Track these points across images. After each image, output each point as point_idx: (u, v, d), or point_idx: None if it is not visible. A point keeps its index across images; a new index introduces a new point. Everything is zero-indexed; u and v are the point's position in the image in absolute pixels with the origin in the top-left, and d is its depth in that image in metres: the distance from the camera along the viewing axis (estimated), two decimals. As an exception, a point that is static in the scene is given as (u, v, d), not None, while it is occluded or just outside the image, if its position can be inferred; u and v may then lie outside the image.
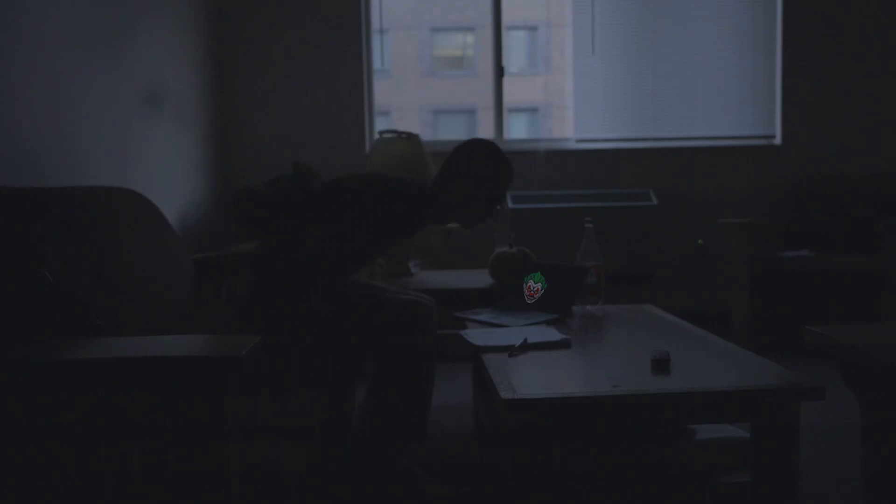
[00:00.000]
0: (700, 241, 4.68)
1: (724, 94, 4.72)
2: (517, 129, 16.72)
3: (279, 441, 1.69)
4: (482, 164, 2.34)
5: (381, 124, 5.37)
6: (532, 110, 16.50)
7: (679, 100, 4.71)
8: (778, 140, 4.71)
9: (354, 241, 2.24)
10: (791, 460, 1.67)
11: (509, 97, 4.87)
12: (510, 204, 4.40)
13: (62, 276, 1.67)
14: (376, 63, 4.78)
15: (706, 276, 4.67)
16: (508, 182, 2.38)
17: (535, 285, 2.58)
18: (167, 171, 3.56)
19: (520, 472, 1.66)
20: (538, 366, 1.92)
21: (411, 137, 3.26)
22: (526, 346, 2.08)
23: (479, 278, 3.09)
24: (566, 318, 2.50)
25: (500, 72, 4.79)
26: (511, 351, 2.04)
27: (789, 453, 1.67)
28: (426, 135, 12.61)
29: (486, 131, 4.89)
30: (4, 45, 2.21)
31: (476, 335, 2.24)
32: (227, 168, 4.56)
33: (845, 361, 1.68)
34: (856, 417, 2.76)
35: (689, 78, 4.70)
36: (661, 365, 1.84)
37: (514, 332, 2.25)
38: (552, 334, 2.19)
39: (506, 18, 4.78)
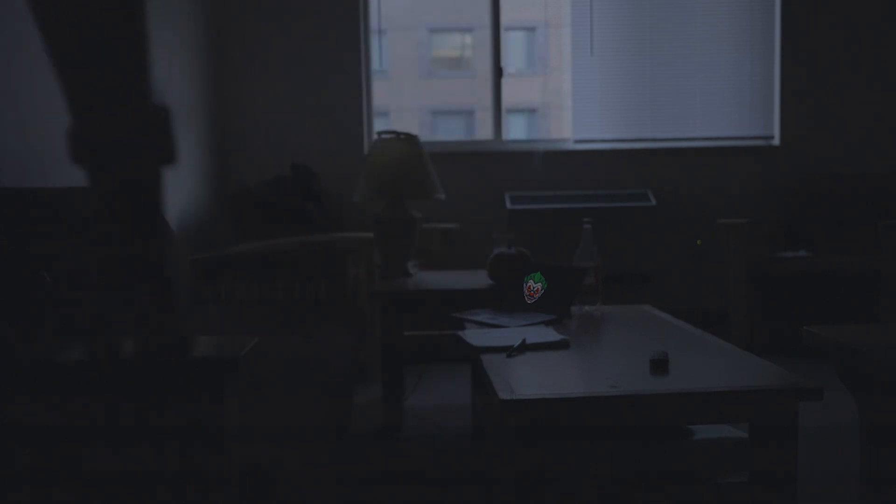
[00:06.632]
0: (699, 242, 4.68)
1: (722, 94, 4.72)
2: (516, 130, 16.72)
3: (279, 441, 1.69)
4: None
5: (379, 125, 5.37)
6: (530, 111, 16.49)
7: (678, 100, 4.72)
8: (776, 140, 4.71)
9: None
10: (789, 461, 1.68)
11: (508, 98, 4.87)
12: (509, 204, 4.40)
13: (61, 277, 1.67)
14: (375, 64, 4.78)
15: (705, 277, 4.68)
16: None
17: (535, 285, 2.58)
18: (166, 171, 3.55)
19: (518, 473, 1.66)
20: (536, 366, 1.93)
21: (410, 138, 3.26)
22: (524, 347, 2.08)
23: (478, 279, 3.10)
24: (564, 318, 2.50)
25: (498, 72, 4.79)
26: (509, 351, 2.04)
27: (787, 454, 1.68)
28: (424, 135, 12.61)
29: (484, 132, 4.89)
30: (5, 45, 2.21)
31: (474, 336, 2.24)
32: (226, 168, 4.56)
33: (843, 362, 1.68)
34: (854, 417, 2.77)
35: (687, 78, 4.71)
36: (659, 365, 1.84)
37: (512, 333, 2.25)
38: (550, 335, 2.19)
39: (504, 19, 4.78)
